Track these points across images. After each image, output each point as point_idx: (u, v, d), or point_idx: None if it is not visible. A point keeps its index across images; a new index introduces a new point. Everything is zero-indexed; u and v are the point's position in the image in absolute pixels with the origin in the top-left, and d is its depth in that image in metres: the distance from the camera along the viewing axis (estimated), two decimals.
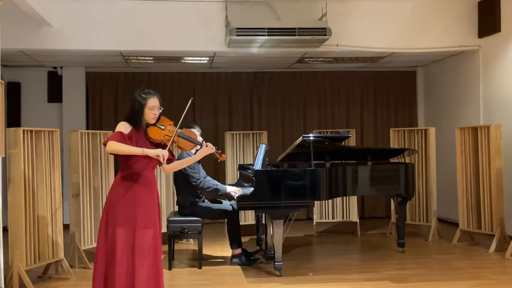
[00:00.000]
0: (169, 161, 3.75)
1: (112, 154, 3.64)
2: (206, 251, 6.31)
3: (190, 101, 3.77)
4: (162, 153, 3.51)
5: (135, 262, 3.52)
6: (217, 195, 5.71)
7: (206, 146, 3.80)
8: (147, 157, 3.56)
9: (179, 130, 3.68)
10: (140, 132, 3.64)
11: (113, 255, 3.52)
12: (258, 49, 6.98)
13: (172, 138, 3.62)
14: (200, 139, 5.56)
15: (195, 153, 3.99)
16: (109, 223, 3.56)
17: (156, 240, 3.63)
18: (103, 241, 3.57)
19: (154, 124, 3.66)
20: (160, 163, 3.62)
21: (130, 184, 3.58)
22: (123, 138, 3.52)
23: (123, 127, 3.59)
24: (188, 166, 5.50)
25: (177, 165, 3.90)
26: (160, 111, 3.68)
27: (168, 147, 3.61)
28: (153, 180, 3.70)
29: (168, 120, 3.73)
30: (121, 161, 3.63)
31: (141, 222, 3.56)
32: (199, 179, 5.55)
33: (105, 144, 3.54)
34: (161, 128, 3.66)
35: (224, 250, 6.28)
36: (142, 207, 3.58)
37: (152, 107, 3.62)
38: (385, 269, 5.47)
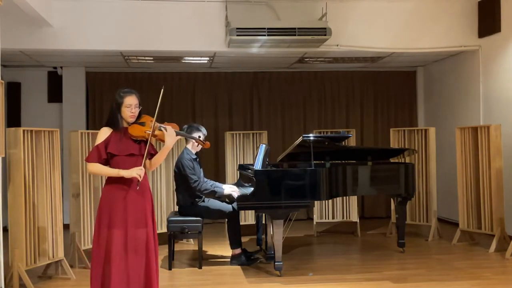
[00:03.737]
0: (152, 156, 3.80)
1: None
2: (206, 251, 6.31)
3: (162, 90, 3.79)
4: (137, 172, 3.58)
5: (128, 261, 3.57)
6: (215, 197, 5.70)
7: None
8: (131, 159, 3.64)
9: (159, 124, 3.74)
10: (121, 132, 3.69)
11: (108, 256, 3.57)
12: (258, 49, 6.97)
13: (152, 132, 3.67)
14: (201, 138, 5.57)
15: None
16: (103, 224, 3.62)
17: (149, 239, 3.66)
18: (97, 243, 3.63)
19: (134, 122, 3.72)
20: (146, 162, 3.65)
21: (117, 186, 3.64)
22: (98, 155, 3.62)
23: (102, 134, 3.69)
24: (186, 167, 5.50)
25: (157, 160, 3.85)
26: (139, 109, 3.73)
27: (149, 143, 3.67)
28: (143, 179, 3.68)
29: (149, 117, 3.78)
30: (109, 164, 3.71)
31: (132, 222, 3.61)
32: (197, 181, 5.53)
33: (87, 161, 3.69)
34: (142, 125, 3.72)
35: (224, 250, 6.28)
36: (131, 206, 3.63)
37: (129, 105, 3.69)
38: (385, 269, 5.47)
